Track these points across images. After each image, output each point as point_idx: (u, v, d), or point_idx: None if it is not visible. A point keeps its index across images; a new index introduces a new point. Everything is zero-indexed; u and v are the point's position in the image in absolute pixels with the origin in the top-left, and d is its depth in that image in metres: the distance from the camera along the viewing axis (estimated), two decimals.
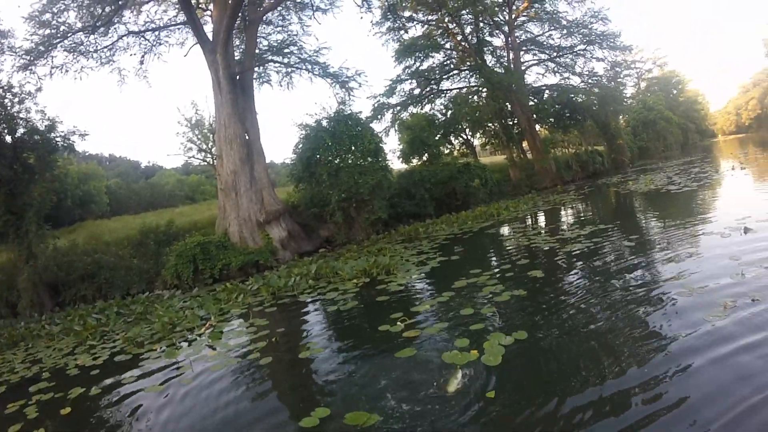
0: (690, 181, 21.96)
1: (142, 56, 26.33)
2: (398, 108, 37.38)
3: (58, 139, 19.53)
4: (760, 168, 24.03)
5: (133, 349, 9.80)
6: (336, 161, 22.34)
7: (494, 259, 14.01)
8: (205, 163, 46.09)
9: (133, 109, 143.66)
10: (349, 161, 22.36)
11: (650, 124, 54.87)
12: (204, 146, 43.47)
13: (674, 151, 56.39)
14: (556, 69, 41.37)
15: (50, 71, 22.79)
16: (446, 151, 37.59)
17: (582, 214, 20.37)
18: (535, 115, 38.91)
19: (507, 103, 37.76)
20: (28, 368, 9.64)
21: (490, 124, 39.90)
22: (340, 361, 7.40)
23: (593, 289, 8.79)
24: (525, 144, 39.39)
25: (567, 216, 20.62)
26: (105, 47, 24.49)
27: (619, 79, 42.45)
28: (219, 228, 21.20)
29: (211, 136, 39.43)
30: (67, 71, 23.53)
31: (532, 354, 6.41)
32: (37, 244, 18.18)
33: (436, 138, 35.19)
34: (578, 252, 11.97)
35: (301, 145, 23.11)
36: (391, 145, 61.89)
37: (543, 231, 16.83)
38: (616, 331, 6.67)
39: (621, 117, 49.07)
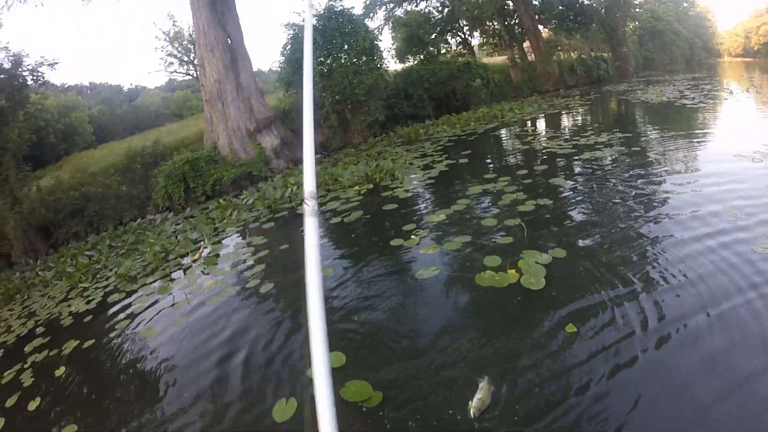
0: (704, 98, 20.29)
1: None
2: (392, 5, 35.24)
3: (25, 73, 18.12)
4: None
5: (127, 286, 8.99)
6: (328, 61, 21.04)
7: (507, 163, 12.87)
8: (189, 77, 44.27)
9: (107, 31, 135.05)
10: (342, 61, 21.02)
11: (658, 34, 52.11)
12: (186, 58, 41.26)
13: (679, 65, 53.75)
14: None
15: (6, 3, 20.15)
16: (443, 51, 35.69)
17: (594, 121, 19.03)
18: (538, 16, 36.58)
19: (509, 1, 35.47)
20: (24, 324, 8.86)
21: (490, 23, 37.62)
22: (352, 285, 6.35)
23: (626, 204, 7.60)
24: (526, 45, 37.43)
25: (577, 121, 19.27)
26: None
27: None
28: (207, 142, 19.94)
29: (192, 47, 37.24)
30: (24, 0, 20.83)
31: (580, 275, 5.39)
32: (19, 188, 17.17)
33: (433, 37, 33.26)
34: (601, 160, 10.79)
35: (289, 47, 21.52)
36: (385, 45, 59.31)
37: (555, 135, 15.57)
38: (663, 253, 5.64)
39: (628, 24, 46.65)
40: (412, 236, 7.48)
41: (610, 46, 42.93)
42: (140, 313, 7.51)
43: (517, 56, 35.95)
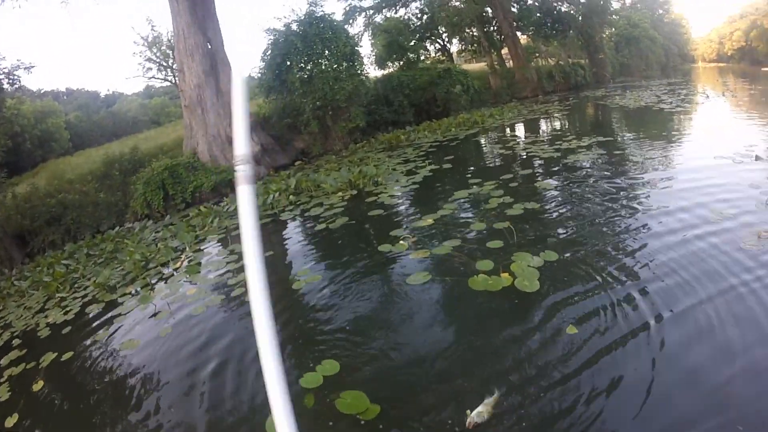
0: (681, 102, 20.71)
1: None
2: (371, 11, 35.24)
3: (0, 77, 17.80)
4: (750, 96, 22.96)
5: (106, 296, 8.63)
6: (308, 67, 20.79)
7: (492, 167, 12.84)
8: (168, 83, 43.68)
9: (84, 36, 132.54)
10: (323, 67, 20.78)
11: (634, 41, 52.72)
12: (164, 63, 40.87)
13: (655, 71, 54.60)
14: None
15: None
16: (422, 58, 35.81)
17: (574, 126, 19.17)
18: (516, 23, 36.90)
19: (488, 8, 35.68)
20: None
21: (469, 30, 37.86)
22: (341, 291, 6.20)
23: (611, 204, 7.68)
24: (505, 52, 37.71)
25: (557, 126, 19.37)
26: None
27: None
28: (187, 148, 19.58)
29: (171, 53, 36.90)
30: (2, 2, 20.20)
31: (573, 275, 5.36)
32: None
33: (412, 43, 33.39)
34: (584, 164, 10.88)
35: (269, 52, 21.23)
36: (364, 51, 59.17)
37: (536, 140, 15.62)
38: (652, 247, 5.76)
39: (605, 31, 47.34)
40: (401, 242, 7.37)
41: (587, 53, 43.36)
42: (120, 323, 7.22)
43: (496, 63, 36.13)
